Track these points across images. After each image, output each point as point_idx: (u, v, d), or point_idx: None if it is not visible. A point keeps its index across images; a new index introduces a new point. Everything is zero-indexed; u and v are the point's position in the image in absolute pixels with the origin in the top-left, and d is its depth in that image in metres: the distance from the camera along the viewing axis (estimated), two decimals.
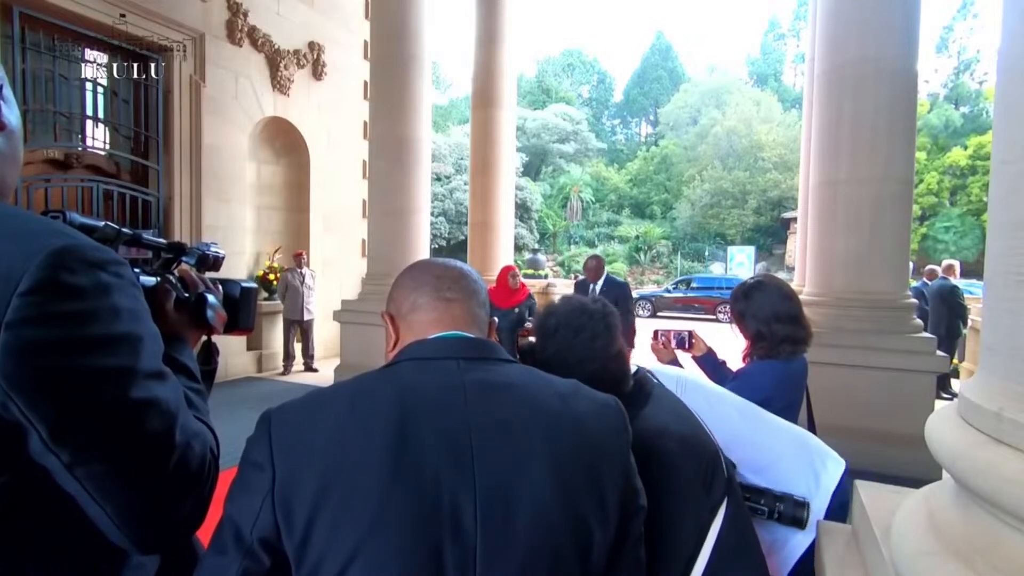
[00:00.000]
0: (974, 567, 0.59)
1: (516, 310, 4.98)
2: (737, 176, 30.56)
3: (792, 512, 1.12)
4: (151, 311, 0.65)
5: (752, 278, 1.91)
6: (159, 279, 0.83)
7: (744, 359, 1.87)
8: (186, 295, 0.86)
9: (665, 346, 2.09)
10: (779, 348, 1.75)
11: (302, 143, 7.71)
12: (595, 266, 5.17)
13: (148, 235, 0.86)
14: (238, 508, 0.62)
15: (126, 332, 0.58)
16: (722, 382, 1.96)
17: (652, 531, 0.78)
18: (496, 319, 0.84)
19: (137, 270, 0.76)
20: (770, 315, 1.76)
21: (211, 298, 0.87)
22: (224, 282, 0.97)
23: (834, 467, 1.23)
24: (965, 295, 6.48)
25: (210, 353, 0.91)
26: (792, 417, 1.77)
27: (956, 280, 6.53)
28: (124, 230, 0.78)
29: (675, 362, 1.99)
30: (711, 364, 2.09)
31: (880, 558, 0.78)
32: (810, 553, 1.12)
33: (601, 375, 0.97)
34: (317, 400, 0.68)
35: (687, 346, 2.07)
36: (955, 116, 29.05)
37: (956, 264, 6.75)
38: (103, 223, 0.74)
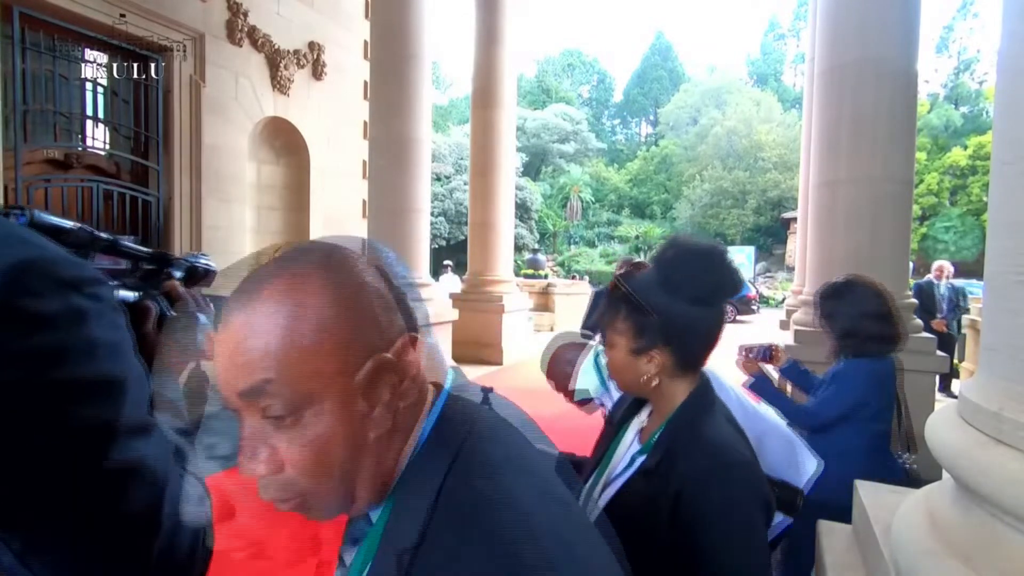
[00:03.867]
0: (974, 567, 0.59)
1: None
2: (737, 176, 30.58)
3: (789, 498, 1.18)
4: None
5: (841, 276, 1.92)
6: (139, 294, 0.70)
7: (832, 358, 1.88)
8: (171, 313, 0.74)
9: (751, 360, 2.09)
10: (866, 346, 1.75)
11: (302, 143, 7.71)
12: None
13: (128, 241, 0.73)
14: None
15: (104, 374, 0.46)
16: (808, 388, 1.96)
17: (694, 559, 0.76)
18: None
19: (115, 282, 0.66)
20: (859, 313, 1.76)
21: (202, 318, 0.75)
22: (217, 299, 0.84)
23: (811, 465, 1.27)
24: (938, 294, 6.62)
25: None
26: (888, 417, 1.78)
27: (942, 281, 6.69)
28: (100, 234, 0.66)
29: (762, 375, 1.99)
30: (795, 372, 2.09)
31: (880, 558, 0.78)
32: (783, 533, 1.15)
33: None
34: None
35: (770, 358, 2.07)
36: (955, 116, 29.04)
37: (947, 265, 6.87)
38: (77, 225, 0.62)
